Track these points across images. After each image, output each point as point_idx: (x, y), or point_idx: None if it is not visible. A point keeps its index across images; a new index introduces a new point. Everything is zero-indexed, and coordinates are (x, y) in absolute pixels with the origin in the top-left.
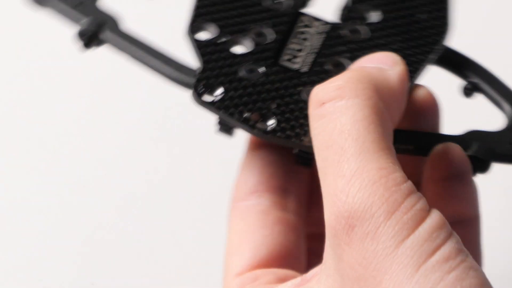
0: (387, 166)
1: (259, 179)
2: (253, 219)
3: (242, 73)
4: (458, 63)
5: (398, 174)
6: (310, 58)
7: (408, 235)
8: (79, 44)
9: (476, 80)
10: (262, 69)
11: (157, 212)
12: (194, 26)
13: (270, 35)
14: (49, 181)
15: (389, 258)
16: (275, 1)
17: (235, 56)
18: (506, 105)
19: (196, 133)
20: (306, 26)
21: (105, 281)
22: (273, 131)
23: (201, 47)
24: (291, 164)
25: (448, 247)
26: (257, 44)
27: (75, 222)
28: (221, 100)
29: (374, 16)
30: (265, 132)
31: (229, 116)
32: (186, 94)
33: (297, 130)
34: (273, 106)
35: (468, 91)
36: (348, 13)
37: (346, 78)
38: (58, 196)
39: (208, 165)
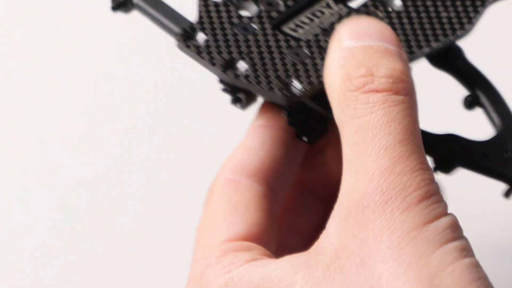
0: (425, 162)
1: (257, 162)
2: (247, 196)
3: (237, 29)
4: (465, 72)
5: (432, 173)
6: (313, 32)
7: (434, 220)
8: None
9: (479, 93)
10: (258, 28)
11: (158, 212)
12: None
13: (279, 6)
14: (49, 181)
15: (415, 232)
16: None
17: (236, 16)
18: (498, 122)
19: (198, 133)
20: (327, 6)
21: (105, 281)
22: (246, 75)
23: (205, 4)
24: (291, 147)
25: (464, 241)
26: (265, 11)
27: (75, 221)
28: (202, 46)
29: (396, 5)
30: (236, 75)
31: (201, 58)
32: (188, 94)
33: (272, 81)
34: (255, 56)
35: (469, 103)
36: (374, 2)
37: (396, 72)
38: (58, 196)
39: (210, 165)
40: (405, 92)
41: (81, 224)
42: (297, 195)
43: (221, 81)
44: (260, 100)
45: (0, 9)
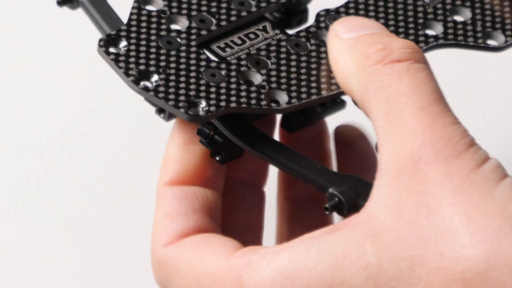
0: (457, 118)
1: (183, 170)
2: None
3: (161, 42)
4: None
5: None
6: (240, 54)
7: (484, 162)
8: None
9: None
10: (182, 44)
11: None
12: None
13: (211, 24)
14: (49, 180)
15: (473, 172)
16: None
17: (164, 28)
18: None
19: None
20: (263, 29)
21: (105, 281)
22: (155, 90)
23: (137, 14)
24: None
25: None
26: (195, 27)
27: (76, 221)
28: (122, 54)
29: None
30: (146, 89)
31: (117, 67)
32: None
33: (180, 99)
34: (171, 72)
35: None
36: (308, 33)
37: (411, 45)
38: (58, 195)
39: None
40: (423, 60)
41: (81, 224)
42: (231, 189)
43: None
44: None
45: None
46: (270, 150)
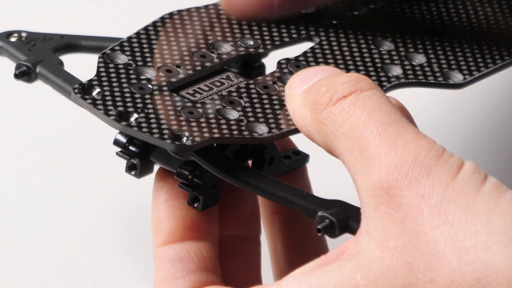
0: (421, 133)
1: (173, 227)
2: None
3: (134, 88)
4: None
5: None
6: (209, 98)
7: (458, 171)
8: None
9: None
10: (154, 89)
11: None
12: (108, 54)
13: (177, 73)
14: (50, 180)
15: (449, 189)
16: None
17: (134, 78)
18: None
19: None
20: (227, 78)
21: (105, 281)
22: (139, 126)
23: (105, 67)
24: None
25: (493, 179)
26: (163, 76)
27: (76, 221)
28: (98, 98)
29: None
30: (129, 125)
31: (97, 109)
32: None
33: (164, 132)
34: (150, 112)
35: None
36: (273, 78)
37: (353, 77)
38: (59, 196)
39: None
40: (369, 87)
41: (82, 224)
42: (228, 246)
43: (116, 143)
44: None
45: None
46: (255, 180)
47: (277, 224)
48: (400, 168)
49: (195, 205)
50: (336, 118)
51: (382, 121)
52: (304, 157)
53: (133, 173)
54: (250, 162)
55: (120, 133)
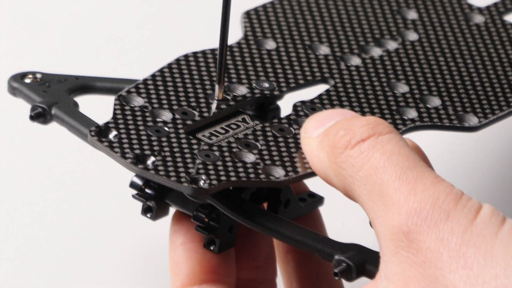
0: (440, 177)
1: (190, 270)
2: None
3: (150, 131)
4: None
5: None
6: (228, 139)
7: (476, 215)
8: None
9: None
10: (171, 132)
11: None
12: (124, 96)
13: (193, 115)
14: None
15: (467, 232)
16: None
17: (150, 120)
18: None
19: None
20: (243, 121)
21: (105, 281)
22: (156, 169)
23: (121, 110)
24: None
25: (509, 219)
26: (180, 119)
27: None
28: (115, 141)
29: None
30: (146, 168)
31: (114, 152)
32: None
33: (181, 175)
34: (167, 154)
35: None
36: (289, 120)
37: (371, 120)
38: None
39: None
40: (387, 130)
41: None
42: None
43: (132, 185)
44: (171, 213)
45: None
46: (271, 224)
47: (292, 263)
48: (420, 213)
49: (211, 248)
50: (355, 162)
51: (401, 165)
52: (319, 200)
53: (148, 215)
54: (265, 204)
55: (136, 175)
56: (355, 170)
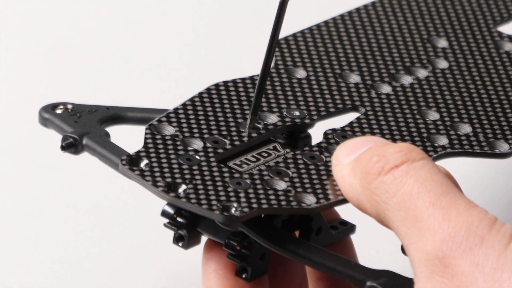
0: (473, 202)
1: None
2: None
3: (181, 159)
4: None
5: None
6: (256, 169)
7: (510, 240)
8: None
9: None
10: (202, 160)
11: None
12: (155, 126)
13: (224, 144)
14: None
15: (502, 257)
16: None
17: (181, 149)
18: None
19: None
20: (274, 149)
21: (105, 281)
22: (187, 197)
23: (152, 139)
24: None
25: None
26: (210, 147)
27: (76, 223)
28: (146, 170)
29: None
30: (177, 196)
31: (145, 181)
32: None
33: (213, 203)
34: (198, 183)
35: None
36: (320, 148)
37: (404, 147)
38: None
39: None
40: (420, 157)
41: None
42: None
43: (163, 214)
44: (202, 242)
45: None
46: (303, 251)
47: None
48: (454, 238)
49: (243, 276)
50: (389, 188)
51: (435, 191)
52: (351, 227)
53: (180, 244)
54: (297, 232)
55: (168, 204)
56: (389, 196)
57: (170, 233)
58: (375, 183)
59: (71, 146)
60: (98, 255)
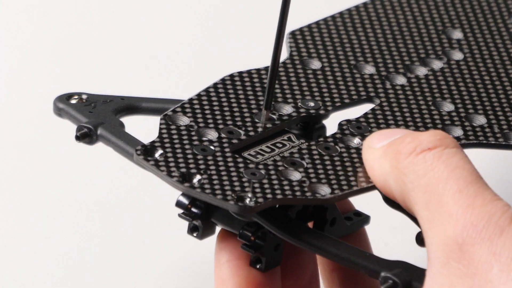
0: (497, 195)
1: (237, 286)
2: None
3: (196, 150)
4: None
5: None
6: (274, 158)
7: None
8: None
9: None
10: (217, 151)
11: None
12: (169, 116)
13: (239, 134)
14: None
15: None
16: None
17: (196, 139)
18: None
19: None
20: (289, 139)
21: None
22: (202, 187)
23: (167, 129)
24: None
25: None
26: (226, 137)
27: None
28: (160, 160)
29: (355, 143)
30: (192, 186)
31: (160, 171)
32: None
33: (228, 194)
34: (213, 173)
35: (421, 240)
36: (335, 139)
37: (439, 133)
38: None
39: None
40: (454, 144)
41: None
42: None
43: (178, 204)
44: (217, 232)
45: None
46: (318, 241)
47: (337, 281)
48: (475, 226)
49: (258, 266)
50: (418, 169)
51: (464, 179)
52: (365, 218)
53: (195, 234)
54: (311, 224)
55: (183, 194)
56: (417, 177)
57: (183, 224)
58: (405, 163)
59: (86, 136)
60: (114, 246)
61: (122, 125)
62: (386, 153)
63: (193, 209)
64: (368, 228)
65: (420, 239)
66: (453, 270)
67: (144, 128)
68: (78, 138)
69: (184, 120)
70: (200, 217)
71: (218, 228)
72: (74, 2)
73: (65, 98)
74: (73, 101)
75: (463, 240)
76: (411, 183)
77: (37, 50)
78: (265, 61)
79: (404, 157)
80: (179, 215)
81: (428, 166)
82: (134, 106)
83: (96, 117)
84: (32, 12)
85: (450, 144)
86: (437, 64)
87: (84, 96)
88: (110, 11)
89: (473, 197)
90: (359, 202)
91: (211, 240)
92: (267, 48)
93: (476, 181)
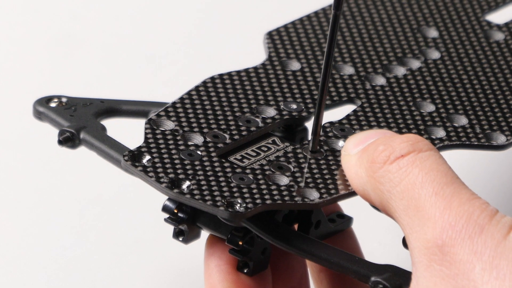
0: (475, 194)
1: None
2: None
3: (183, 155)
4: None
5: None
6: (260, 162)
7: (510, 230)
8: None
9: None
10: (203, 155)
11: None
12: (154, 120)
13: (224, 138)
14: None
15: (500, 245)
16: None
17: (182, 144)
18: None
19: None
20: (273, 143)
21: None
22: (191, 193)
23: (152, 134)
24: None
25: None
26: (211, 142)
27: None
28: (148, 166)
29: (340, 146)
30: (181, 193)
31: (148, 177)
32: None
33: (217, 199)
34: (201, 178)
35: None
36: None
37: (411, 137)
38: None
39: None
40: (427, 148)
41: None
42: None
43: (165, 209)
44: (203, 237)
45: None
46: (307, 246)
47: (325, 281)
48: (454, 226)
49: (245, 271)
50: (393, 177)
51: (439, 180)
52: (348, 220)
53: (180, 239)
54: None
55: (169, 199)
56: (393, 185)
57: (168, 228)
58: (380, 172)
59: (69, 140)
60: (98, 250)
61: (104, 128)
62: (361, 161)
63: (180, 214)
64: (361, 228)
65: (405, 243)
66: (436, 273)
67: (122, 129)
68: (60, 142)
69: (168, 125)
70: (186, 222)
71: (203, 233)
72: (55, 5)
73: (45, 101)
74: (53, 104)
75: (443, 242)
76: (388, 191)
77: (14, 53)
78: (245, 63)
79: (379, 166)
80: (165, 220)
81: (402, 172)
82: (114, 108)
83: (78, 120)
84: (9, 15)
85: (423, 147)
86: (415, 64)
87: (63, 99)
88: (90, 14)
89: (449, 198)
90: (350, 202)
91: (201, 245)
92: (246, 50)
93: (451, 182)
